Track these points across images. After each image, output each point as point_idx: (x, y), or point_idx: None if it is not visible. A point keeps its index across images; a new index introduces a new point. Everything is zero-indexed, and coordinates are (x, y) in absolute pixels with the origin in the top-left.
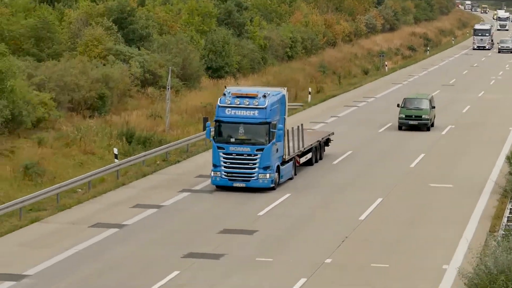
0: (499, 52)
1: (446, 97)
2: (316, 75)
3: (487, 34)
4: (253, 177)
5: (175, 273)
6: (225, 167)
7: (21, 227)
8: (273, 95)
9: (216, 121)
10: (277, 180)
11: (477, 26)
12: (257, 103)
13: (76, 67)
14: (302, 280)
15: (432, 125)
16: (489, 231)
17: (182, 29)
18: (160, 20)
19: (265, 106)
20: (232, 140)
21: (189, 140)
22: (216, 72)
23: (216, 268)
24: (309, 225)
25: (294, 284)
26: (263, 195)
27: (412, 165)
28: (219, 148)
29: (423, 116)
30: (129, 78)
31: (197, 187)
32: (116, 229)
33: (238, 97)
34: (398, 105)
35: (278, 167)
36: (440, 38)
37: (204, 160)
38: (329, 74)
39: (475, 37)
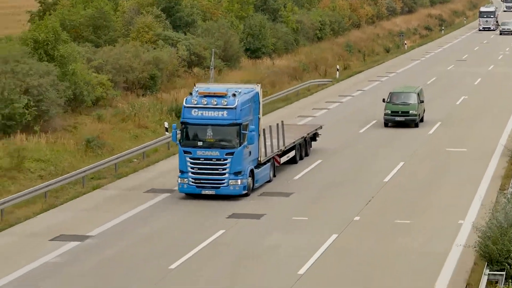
0: (500, 34)
1: (459, 71)
2: (343, 54)
3: (492, 16)
4: (223, 183)
5: (221, 231)
6: (192, 173)
7: (84, 194)
8: (244, 93)
9: (182, 123)
10: (251, 186)
11: (482, 9)
12: (226, 103)
13: (129, 51)
14: (334, 236)
15: (422, 120)
16: (500, 189)
17: (223, 16)
18: (203, 8)
19: (234, 105)
20: (200, 143)
21: None
22: (254, 53)
23: (257, 226)
24: (339, 187)
25: (326, 240)
26: (299, 163)
27: (430, 132)
28: (185, 152)
29: (410, 111)
30: (177, 60)
31: None
32: (168, 194)
33: (205, 96)
34: (383, 100)
35: (252, 171)
36: (453, 19)
37: None
38: (355, 52)
39: (481, 19)
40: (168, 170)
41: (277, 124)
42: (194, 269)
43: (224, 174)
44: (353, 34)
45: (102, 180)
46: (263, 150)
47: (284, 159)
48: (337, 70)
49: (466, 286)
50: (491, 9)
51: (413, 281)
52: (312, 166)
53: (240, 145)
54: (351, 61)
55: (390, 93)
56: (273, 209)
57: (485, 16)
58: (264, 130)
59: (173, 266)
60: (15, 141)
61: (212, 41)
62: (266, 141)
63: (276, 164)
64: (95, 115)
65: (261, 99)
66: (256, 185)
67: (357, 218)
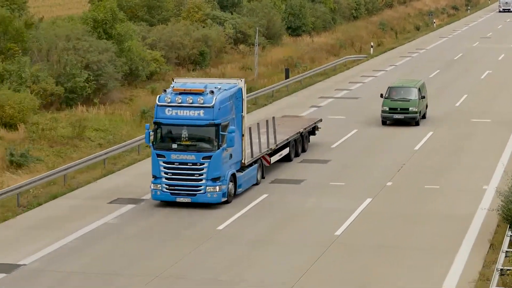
0: None
1: (484, 47)
2: (377, 32)
3: None
4: (200, 190)
5: (265, 195)
6: (166, 178)
7: (139, 160)
8: (225, 89)
9: (154, 123)
10: (232, 192)
11: None
12: (202, 101)
13: (181, 29)
14: (368, 200)
15: (424, 117)
16: None
17: None
18: None
19: (212, 104)
20: (174, 146)
21: (273, 87)
22: (294, 31)
23: (297, 191)
24: (373, 154)
25: (361, 203)
26: (334, 133)
27: (457, 104)
28: (158, 156)
29: (410, 108)
30: (224, 38)
31: None
32: None
33: (180, 93)
34: (381, 95)
35: (233, 175)
36: None
37: (287, 102)
38: (388, 30)
39: (501, 0)
40: None
41: (267, 121)
42: (240, 229)
43: (201, 180)
44: (386, 14)
45: None
46: (248, 151)
47: (275, 158)
48: (371, 46)
49: (490, 246)
50: None
51: (441, 241)
52: (348, 135)
53: (218, 148)
54: (384, 38)
55: (388, 87)
56: (312, 175)
57: None
58: (250, 128)
59: (220, 227)
60: (76, 112)
61: (256, 20)
62: (252, 139)
63: (266, 164)
64: (149, 88)
65: (245, 95)
66: (239, 190)
67: (389, 183)
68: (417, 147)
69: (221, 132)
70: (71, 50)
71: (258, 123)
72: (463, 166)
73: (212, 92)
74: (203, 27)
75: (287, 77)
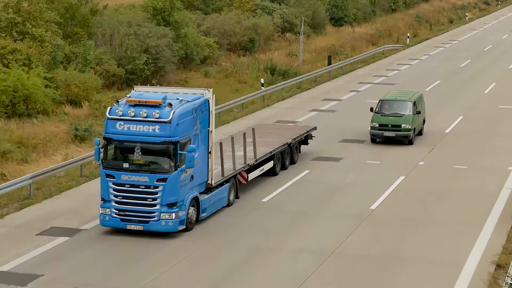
0: None
1: None
2: (413, 24)
3: None
4: (153, 217)
5: (306, 171)
6: (116, 202)
7: None
8: (187, 101)
9: (104, 138)
10: (194, 218)
11: None
12: (158, 115)
13: (233, 18)
14: (402, 177)
15: (420, 133)
16: None
17: None
18: None
19: (169, 119)
20: (125, 166)
21: (317, 72)
22: (337, 21)
23: (337, 168)
24: None
25: (395, 180)
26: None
27: (486, 91)
28: (108, 176)
29: (402, 125)
30: (272, 26)
31: (324, 107)
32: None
33: (134, 105)
34: (371, 109)
35: (195, 199)
36: None
37: (329, 87)
38: (423, 22)
39: None
40: (263, 118)
41: (244, 134)
42: (283, 202)
43: (155, 205)
44: (422, 7)
45: None
46: (217, 170)
47: (255, 173)
48: (408, 37)
49: None
50: None
51: (467, 217)
52: None
53: (175, 169)
54: (420, 30)
55: (380, 100)
56: (350, 154)
57: None
58: (221, 143)
59: (265, 199)
60: None
61: (302, 10)
62: (226, 154)
63: (243, 181)
64: (203, 71)
65: (212, 108)
66: (203, 215)
67: (421, 163)
68: (447, 130)
69: (179, 151)
70: (132, 35)
71: (232, 137)
72: (490, 148)
73: (170, 105)
74: (253, 16)
75: (329, 63)
